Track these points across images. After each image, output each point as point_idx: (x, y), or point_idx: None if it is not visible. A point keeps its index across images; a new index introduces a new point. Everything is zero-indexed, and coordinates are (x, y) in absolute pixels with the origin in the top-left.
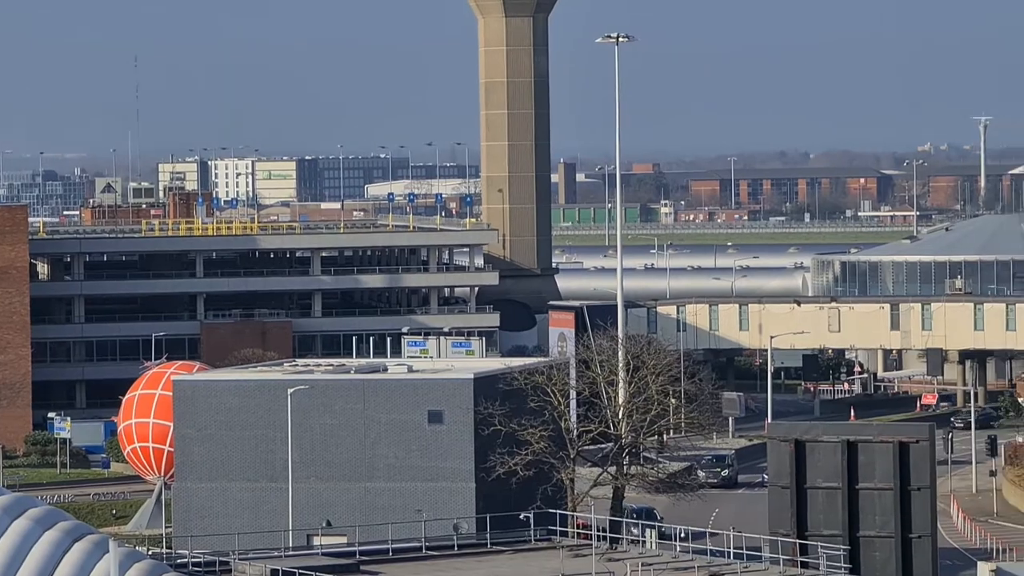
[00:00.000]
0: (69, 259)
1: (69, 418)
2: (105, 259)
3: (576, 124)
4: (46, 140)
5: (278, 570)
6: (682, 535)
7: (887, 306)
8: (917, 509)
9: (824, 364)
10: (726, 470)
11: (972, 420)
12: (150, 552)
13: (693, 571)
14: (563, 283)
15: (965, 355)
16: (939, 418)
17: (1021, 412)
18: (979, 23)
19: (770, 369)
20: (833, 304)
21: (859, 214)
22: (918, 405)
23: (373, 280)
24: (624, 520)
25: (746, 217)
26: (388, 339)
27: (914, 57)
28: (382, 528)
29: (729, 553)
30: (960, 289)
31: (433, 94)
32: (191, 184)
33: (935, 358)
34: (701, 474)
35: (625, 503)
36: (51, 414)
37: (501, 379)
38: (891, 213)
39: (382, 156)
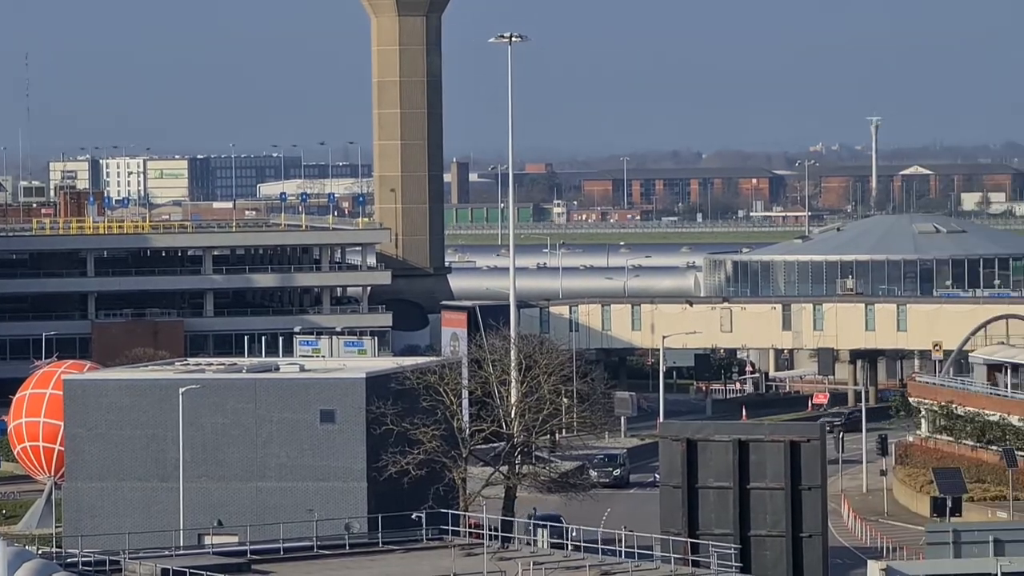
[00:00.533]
0: None
1: None
2: None
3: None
4: None
5: (169, 569)
6: (574, 534)
7: (779, 306)
8: (808, 508)
9: (716, 364)
10: (618, 469)
11: (863, 419)
12: (40, 552)
13: (584, 570)
14: (456, 283)
15: (856, 355)
16: (830, 416)
17: (911, 412)
18: (870, 22)
19: (662, 369)
20: (725, 304)
21: (751, 214)
22: (809, 405)
23: (265, 279)
24: (532, 525)
25: (638, 217)
26: (280, 338)
27: (805, 57)
28: (273, 528)
29: (621, 552)
30: (851, 289)
31: (326, 93)
32: (82, 183)
33: (826, 358)
34: (593, 473)
35: (529, 510)
36: None
37: (393, 378)
38: (783, 213)
39: (274, 155)
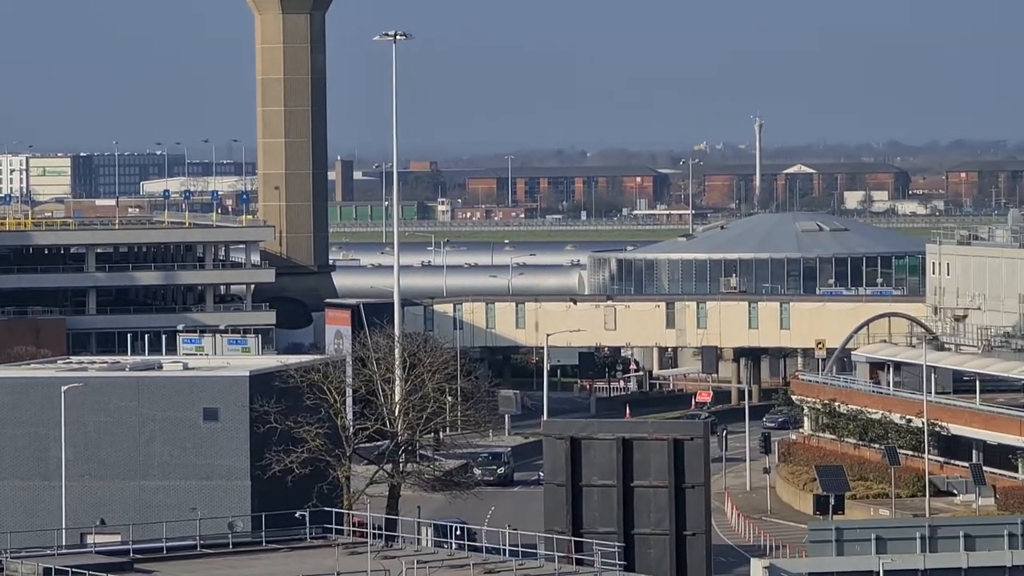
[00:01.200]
0: None
1: None
2: None
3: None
4: None
5: (51, 569)
6: (458, 532)
7: (663, 304)
8: (691, 506)
9: (600, 362)
10: (502, 468)
11: (746, 417)
12: None
13: (468, 569)
14: (340, 280)
15: (740, 353)
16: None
17: (795, 409)
18: (750, 22)
19: (546, 367)
20: (609, 302)
21: (635, 212)
22: (693, 403)
23: (148, 277)
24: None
25: (523, 215)
26: (163, 337)
27: (689, 56)
28: (156, 526)
29: (505, 551)
30: (735, 287)
31: (210, 91)
32: None
33: (710, 356)
34: (477, 472)
35: (433, 519)
36: None
37: (277, 377)
38: (667, 211)
39: (158, 153)
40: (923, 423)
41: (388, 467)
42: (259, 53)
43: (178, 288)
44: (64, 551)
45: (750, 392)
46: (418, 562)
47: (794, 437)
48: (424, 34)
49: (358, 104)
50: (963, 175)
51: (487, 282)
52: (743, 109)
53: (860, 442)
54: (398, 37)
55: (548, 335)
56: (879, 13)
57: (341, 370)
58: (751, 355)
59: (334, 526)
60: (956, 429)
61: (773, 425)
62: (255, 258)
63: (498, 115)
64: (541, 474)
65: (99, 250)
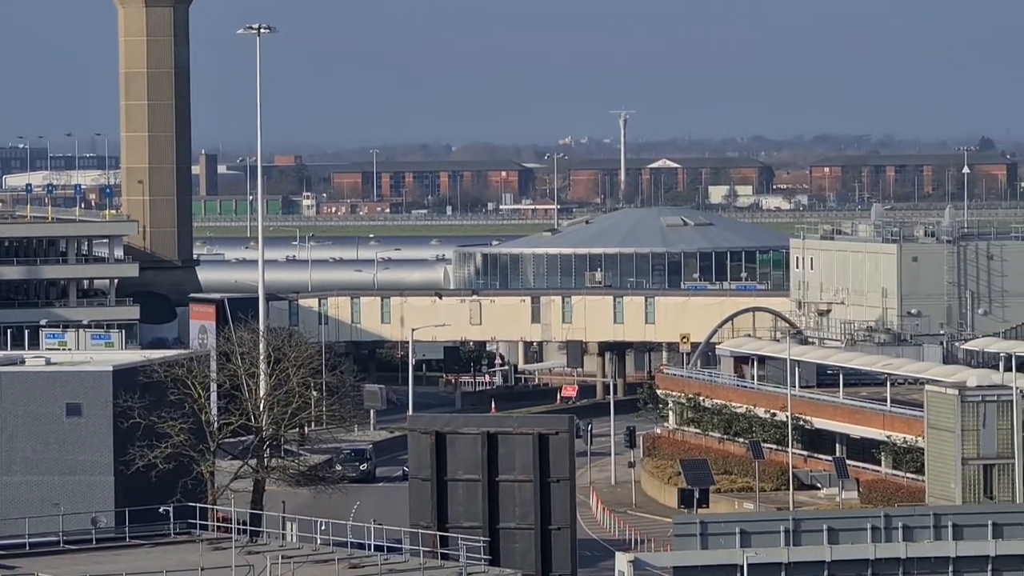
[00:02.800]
0: None
1: None
2: None
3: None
4: None
5: None
6: (323, 527)
7: (528, 299)
8: (556, 500)
9: (465, 356)
10: (365, 464)
11: (611, 411)
12: None
13: (333, 563)
14: (204, 275)
15: (605, 347)
16: (579, 410)
17: (660, 403)
18: (612, 16)
19: (411, 361)
20: (474, 297)
21: (501, 207)
22: (558, 397)
23: (10, 272)
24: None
25: (388, 209)
26: (26, 331)
27: (554, 51)
28: (19, 522)
29: (370, 546)
30: (600, 282)
31: (73, 84)
32: None
33: (575, 350)
34: (339, 468)
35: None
36: None
37: (141, 372)
38: (532, 206)
39: (20, 146)
40: (787, 417)
41: (253, 462)
42: (122, 46)
43: (41, 283)
44: None
45: (615, 386)
46: (283, 557)
47: (659, 431)
48: (288, 27)
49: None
50: (827, 170)
51: (352, 277)
52: (608, 103)
53: (724, 436)
54: (262, 30)
55: (413, 330)
56: (745, 8)
57: (205, 365)
58: (616, 349)
59: (198, 521)
60: (820, 423)
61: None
62: (119, 253)
63: (362, 109)
64: (405, 468)
65: None
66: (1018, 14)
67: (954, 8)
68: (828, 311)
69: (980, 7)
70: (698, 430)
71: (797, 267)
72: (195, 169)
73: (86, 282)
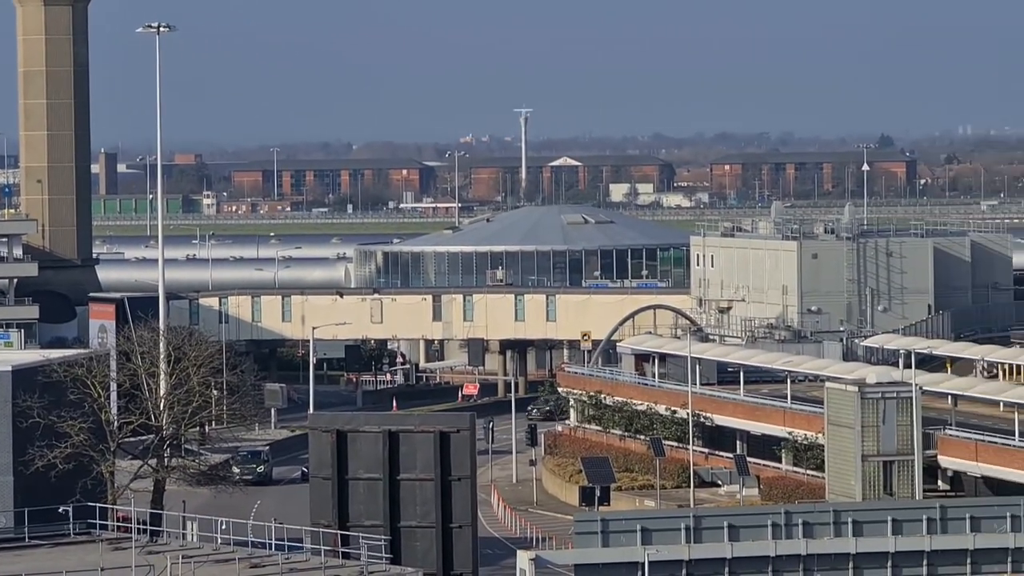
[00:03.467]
0: None
1: None
2: None
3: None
4: None
5: None
6: (223, 527)
7: (429, 297)
8: (457, 499)
9: (367, 355)
10: (261, 466)
11: (512, 409)
12: None
13: (234, 563)
14: (104, 274)
15: (506, 345)
16: (480, 408)
17: (560, 402)
18: (515, 15)
19: (312, 360)
20: (376, 295)
21: (401, 205)
22: (459, 396)
23: None
24: None
25: (289, 208)
26: None
27: (455, 49)
28: None
29: (270, 545)
30: (501, 280)
31: None
32: None
33: (476, 348)
34: (236, 470)
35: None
36: None
37: (40, 371)
38: (433, 204)
39: None
40: (688, 414)
41: (153, 462)
42: (20, 45)
43: None
44: None
45: (516, 384)
46: (183, 557)
47: (560, 429)
48: (188, 26)
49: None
50: (727, 168)
51: (253, 275)
52: (509, 102)
53: (626, 433)
54: (161, 29)
55: (314, 328)
56: (645, 7)
57: (105, 364)
58: (517, 347)
59: (98, 521)
60: (720, 420)
61: (539, 415)
62: (17, 252)
63: (263, 107)
64: (305, 469)
65: None
66: (916, 14)
67: (851, 7)
68: (729, 308)
69: (878, 7)
70: (599, 428)
71: (698, 265)
72: (95, 168)
73: None
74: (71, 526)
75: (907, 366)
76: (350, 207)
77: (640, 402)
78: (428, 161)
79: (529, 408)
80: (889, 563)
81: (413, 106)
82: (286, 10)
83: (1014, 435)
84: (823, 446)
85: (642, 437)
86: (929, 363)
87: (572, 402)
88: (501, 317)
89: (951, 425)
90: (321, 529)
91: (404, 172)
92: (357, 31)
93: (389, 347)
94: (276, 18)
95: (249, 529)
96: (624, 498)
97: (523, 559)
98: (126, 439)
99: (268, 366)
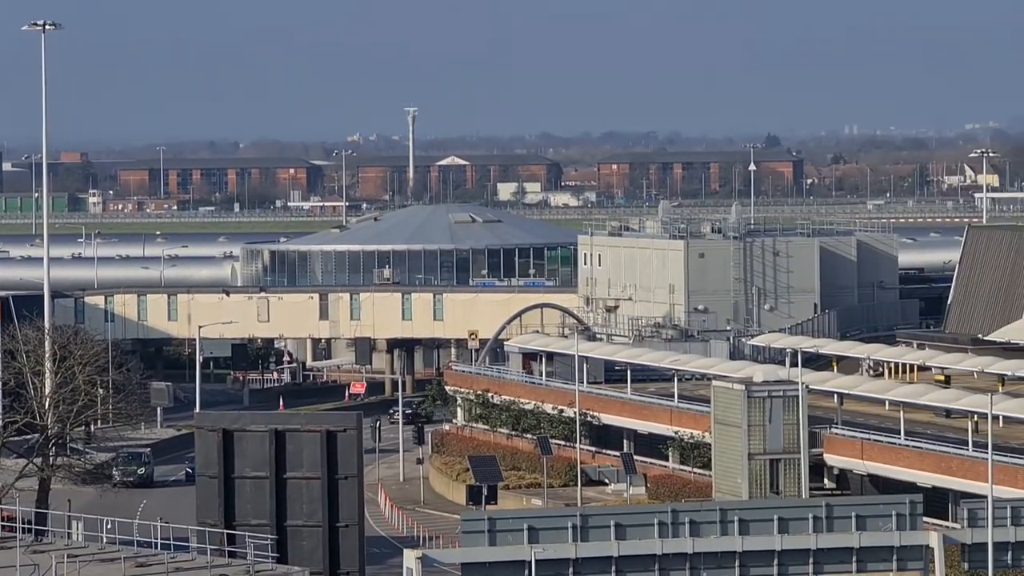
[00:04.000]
0: None
1: None
2: None
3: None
4: None
5: None
6: (109, 526)
7: (316, 296)
8: (344, 498)
9: (253, 354)
10: (142, 468)
11: (400, 408)
12: None
13: (119, 562)
14: None
15: (393, 344)
16: (367, 407)
17: (448, 401)
18: (402, 14)
19: (199, 359)
20: (262, 294)
21: (289, 204)
22: (346, 394)
23: None
24: None
25: (175, 207)
26: None
27: (342, 48)
28: None
29: (156, 544)
30: (388, 279)
31: None
32: None
33: (363, 347)
34: (116, 473)
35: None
36: None
37: None
38: (321, 203)
39: None
40: (575, 413)
41: (38, 460)
42: None
43: None
44: None
45: (404, 383)
46: (68, 556)
47: (447, 428)
48: (74, 22)
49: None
50: (614, 167)
51: (139, 274)
52: (397, 101)
53: (513, 432)
54: (47, 27)
55: (200, 327)
56: (531, 4)
57: None
58: (404, 346)
59: None
60: (607, 419)
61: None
62: None
63: (149, 106)
64: (189, 470)
65: None
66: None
67: (738, 8)
68: (616, 307)
69: (764, 7)
70: (487, 427)
71: (585, 264)
72: None
73: None
74: None
75: (793, 365)
76: (237, 206)
77: (527, 401)
78: (315, 160)
79: (392, 411)
80: (775, 561)
81: (300, 105)
82: (173, 7)
83: (899, 434)
84: (710, 444)
85: (529, 436)
86: (815, 362)
87: (459, 401)
88: (388, 316)
89: (837, 424)
90: (207, 528)
91: (291, 171)
92: (244, 29)
93: (276, 346)
94: (162, 15)
95: (135, 528)
96: (511, 497)
97: (410, 558)
98: (11, 438)
99: (154, 365)
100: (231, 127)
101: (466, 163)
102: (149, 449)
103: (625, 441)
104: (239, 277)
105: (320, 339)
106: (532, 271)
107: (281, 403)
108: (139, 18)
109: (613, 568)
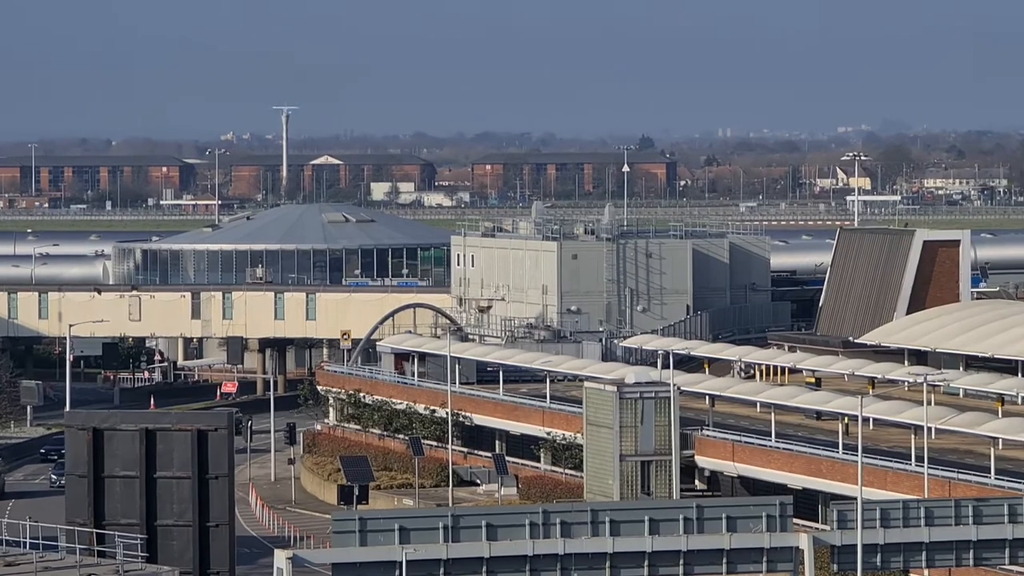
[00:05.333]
0: None
1: None
2: None
3: None
4: None
5: None
6: None
7: (188, 294)
8: (215, 497)
9: (124, 352)
10: None
11: (271, 407)
12: None
13: None
14: None
15: (265, 344)
16: (239, 406)
17: (320, 400)
18: (275, 11)
19: (69, 357)
20: (134, 292)
21: (162, 202)
22: (218, 394)
23: None
24: None
25: (47, 204)
26: None
27: (215, 48)
28: None
29: (25, 543)
30: (261, 278)
31: None
32: None
33: (235, 347)
34: None
35: None
36: None
37: None
38: (194, 202)
39: None
40: (447, 413)
41: None
42: None
43: None
44: None
45: (275, 383)
46: None
47: (319, 428)
48: None
49: None
50: (488, 167)
51: (9, 272)
52: (270, 99)
53: (385, 432)
54: None
55: (71, 325)
56: (402, 4)
57: None
58: (277, 346)
59: None
60: (479, 419)
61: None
62: None
63: (21, 103)
64: (53, 476)
65: None
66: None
67: (613, 9)
68: (489, 308)
69: (639, 8)
70: (359, 427)
71: (458, 264)
72: None
73: None
74: None
75: (665, 366)
76: (109, 204)
77: (399, 401)
78: (188, 159)
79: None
80: (646, 563)
81: (173, 103)
82: (45, 2)
83: (770, 435)
84: (582, 446)
85: (401, 436)
86: (687, 363)
87: (331, 401)
88: (260, 315)
89: (708, 425)
90: (76, 528)
91: (164, 169)
92: (117, 26)
93: (147, 345)
94: (34, 11)
95: (2, 527)
96: (383, 497)
97: (280, 558)
98: None
99: (24, 363)
100: (104, 125)
101: (340, 162)
102: (1, 460)
103: (497, 442)
104: (111, 275)
105: (192, 338)
106: (405, 271)
107: (152, 402)
108: (11, 14)
109: (484, 569)
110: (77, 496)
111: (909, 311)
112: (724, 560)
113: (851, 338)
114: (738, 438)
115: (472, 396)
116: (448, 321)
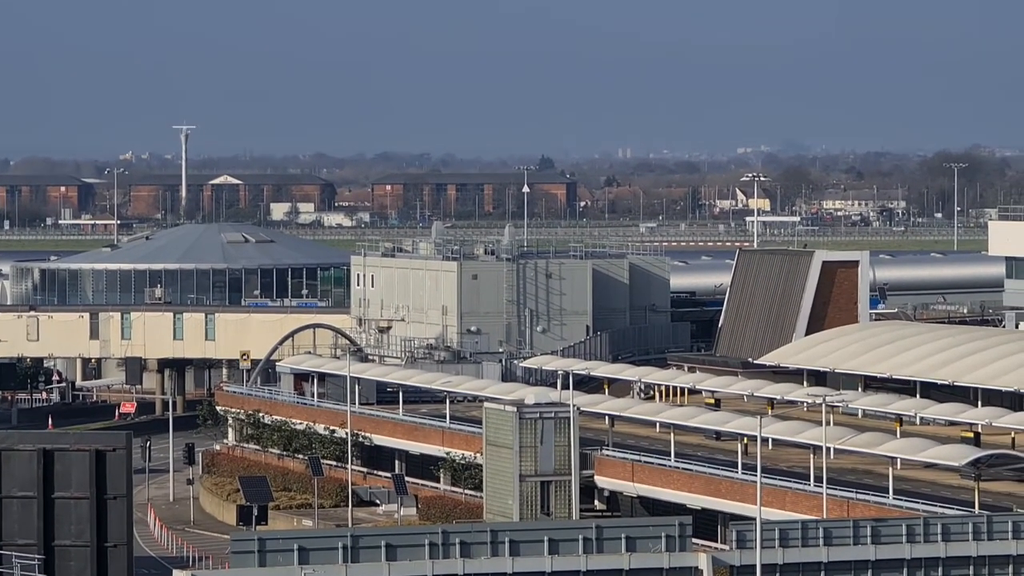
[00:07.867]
0: None
1: None
2: None
3: None
4: None
5: None
6: None
7: (86, 315)
8: (113, 518)
9: (22, 373)
10: None
11: (170, 428)
12: None
13: None
14: None
15: (164, 364)
16: (138, 427)
17: (219, 421)
18: (175, 32)
19: None
20: (32, 312)
21: (60, 222)
22: (117, 414)
23: None
24: None
25: None
26: None
27: (113, 64)
28: None
29: None
30: (160, 298)
31: None
32: None
33: (134, 367)
34: None
35: None
36: None
37: None
38: (92, 221)
39: None
40: (347, 434)
41: None
42: None
43: None
44: None
45: (174, 403)
46: None
47: (218, 448)
48: None
49: None
50: (388, 188)
51: None
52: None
53: (284, 452)
54: None
55: None
56: (297, 26)
57: None
58: (176, 366)
59: None
60: (379, 440)
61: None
62: None
63: None
64: None
65: None
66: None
67: (511, 30)
68: (388, 328)
69: (537, 30)
70: (258, 447)
71: (358, 284)
72: None
73: None
74: None
75: (565, 387)
76: (7, 223)
77: (299, 421)
78: (87, 178)
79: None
80: None
81: (72, 123)
82: None
83: (670, 456)
84: (481, 466)
85: (301, 456)
86: (587, 384)
87: (231, 421)
88: (159, 335)
89: (608, 446)
90: None
91: (63, 189)
92: (15, 42)
93: (45, 365)
94: None
95: None
96: (282, 517)
97: None
98: None
99: None
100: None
101: (239, 182)
102: None
103: (397, 462)
104: (8, 295)
105: (90, 358)
106: (305, 291)
107: (50, 422)
108: None
109: None
110: None
111: (808, 332)
112: None
113: (750, 359)
114: (638, 458)
115: (372, 416)
116: (348, 341)
